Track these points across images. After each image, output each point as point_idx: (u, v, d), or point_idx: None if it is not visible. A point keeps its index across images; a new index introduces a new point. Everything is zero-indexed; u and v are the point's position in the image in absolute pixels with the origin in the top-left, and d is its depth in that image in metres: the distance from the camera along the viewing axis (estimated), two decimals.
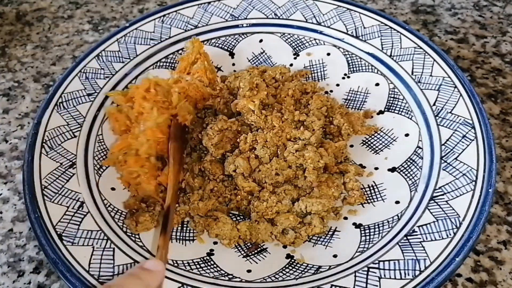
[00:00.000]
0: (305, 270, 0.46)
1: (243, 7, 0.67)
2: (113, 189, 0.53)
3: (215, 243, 0.50)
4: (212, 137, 0.54)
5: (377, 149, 0.56)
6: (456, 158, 0.49)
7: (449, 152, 0.50)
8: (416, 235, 0.45)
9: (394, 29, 0.61)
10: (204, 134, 0.54)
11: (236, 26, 0.67)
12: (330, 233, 0.50)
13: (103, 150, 0.56)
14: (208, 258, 0.48)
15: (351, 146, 0.57)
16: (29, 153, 0.51)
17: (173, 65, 0.64)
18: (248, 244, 0.50)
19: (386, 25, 0.62)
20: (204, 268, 0.47)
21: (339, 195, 0.52)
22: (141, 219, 0.49)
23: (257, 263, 0.48)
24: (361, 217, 0.50)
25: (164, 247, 0.46)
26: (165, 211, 0.49)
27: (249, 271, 0.47)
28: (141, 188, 0.52)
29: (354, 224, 0.50)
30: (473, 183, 0.47)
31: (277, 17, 0.66)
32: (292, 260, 0.47)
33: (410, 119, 0.56)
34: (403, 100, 0.57)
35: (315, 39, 0.65)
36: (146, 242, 0.48)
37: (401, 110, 0.57)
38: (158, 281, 0.42)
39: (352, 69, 0.63)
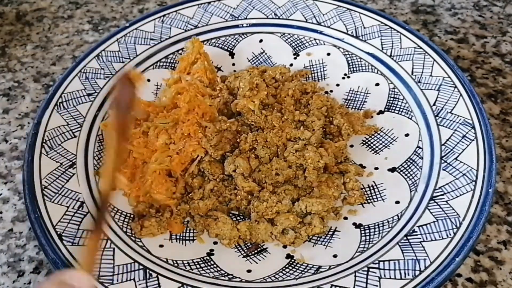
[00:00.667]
0: (305, 270, 0.46)
1: (243, 7, 0.67)
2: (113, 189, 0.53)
3: (215, 243, 0.50)
4: (210, 138, 0.54)
5: (377, 149, 0.56)
6: (456, 158, 0.49)
7: (449, 152, 0.50)
8: (416, 235, 0.45)
9: (394, 29, 0.62)
10: (203, 137, 0.54)
11: (236, 26, 0.67)
12: (330, 233, 0.50)
13: (103, 150, 0.56)
14: (208, 258, 0.48)
15: (351, 146, 0.57)
16: (29, 153, 0.51)
17: (173, 65, 0.64)
18: (248, 244, 0.50)
19: (386, 25, 0.62)
20: (204, 268, 0.47)
21: (339, 195, 0.52)
22: (146, 223, 0.49)
23: (257, 263, 0.48)
24: (361, 217, 0.50)
25: (94, 251, 0.36)
26: (100, 203, 0.39)
27: (249, 271, 0.47)
28: (150, 197, 0.52)
29: (354, 224, 0.50)
30: (473, 183, 0.47)
31: (277, 17, 0.66)
32: (292, 260, 0.48)
33: (410, 119, 0.56)
34: (403, 100, 0.57)
35: (315, 39, 0.65)
36: (146, 242, 0.48)
37: (401, 110, 0.57)
38: None
39: (352, 69, 0.63)
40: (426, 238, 0.44)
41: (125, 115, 0.41)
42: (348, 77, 0.63)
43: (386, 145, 0.56)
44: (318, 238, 0.49)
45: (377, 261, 0.44)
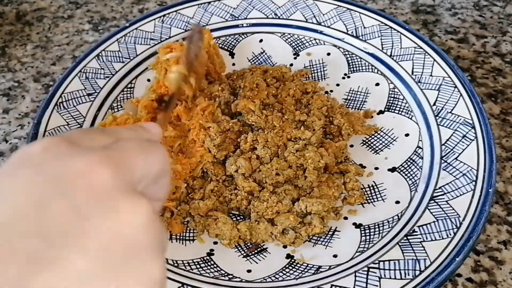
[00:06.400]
0: (305, 270, 0.46)
1: (243, 7, 0.67)
2: None
3: (215, 243, 0.50)
4: (214, 138, 0.54)
5: (377, 149, 0.56)
6: (456, 158, 0.49)
7: (449, 152, 0.50)
8: (416, 235, 0.45)
9: (394, 29, 0.61)
10: (206, 135, 0.54)
11: (236, 26, 0.67)
12: (330, 233, 0.50)
13: None
14: (208, 258, 0.48)
15: (351, 146, 0.57)
16: None
17: None
18: (248, 244, 0.50)
19: (386, 25, 0.62)
20: (204, 268, 0.47)
21: (339, 195, 0.52)
22: None
23: (257, 263, 0.48)
24: (361, 217, 0.50)
25: (164, 121, 0.46)
26: (169, 97, 0.48)
27: (249, 271, 0.47)
28: None
29: (354, 224, 0.50)
30: (473, 183, 0.47)
31: (277, 17, 0.66)
32: (292, 260, 0.47)
33: (410, 119, 0.56)
34: (403, 100, 0.57)
35: (315, 39, 0.65)
36: None
37: (401, 110, 0.57)
38: (156, 137, 0.34)
39: (352, 69, 0.63)
40: (426, 238, 0.44)
41: (193, 56, 0.52)
42: (348, 77, 0.63)
43: (386, 145, 0.56)
44: (318, 238, 0.49)
45: (377, 261, 0.44)
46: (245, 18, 0.67)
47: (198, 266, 0.47)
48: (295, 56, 0.66)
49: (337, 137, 0.57)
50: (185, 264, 0.47)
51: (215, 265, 0.47)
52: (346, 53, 0.63)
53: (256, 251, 0.49)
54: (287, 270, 0.46)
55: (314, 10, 0.66)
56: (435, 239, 0.44)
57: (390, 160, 0.54)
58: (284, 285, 0.44)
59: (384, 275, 0.42)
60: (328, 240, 0.49)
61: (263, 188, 0.52)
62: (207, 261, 0.48)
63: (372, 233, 0.48)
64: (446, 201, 0.46)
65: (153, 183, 0.27)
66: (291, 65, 0.65)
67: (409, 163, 0.52)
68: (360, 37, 0.63)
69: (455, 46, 0.71)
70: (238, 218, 0.52)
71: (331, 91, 0.63)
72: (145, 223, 0.22)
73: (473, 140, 0.50)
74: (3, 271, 0.18)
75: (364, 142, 0.57)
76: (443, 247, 0.43)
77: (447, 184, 0.48)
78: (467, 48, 0.71)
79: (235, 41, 0.67)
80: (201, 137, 0.54)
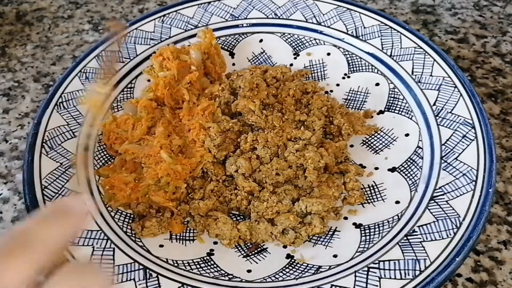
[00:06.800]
0: (305, 270, 0.46)
1: (243, 7, 0.67)
2: None
3: (215, 243, 0.50)
4: (214, 138, 0.54)
5: (377, 149, 0.56)
6: (456, 158, 0.49)
7: (449, 152, 0.50)
8: (416, 235, 0.45)
9: (394, 29, 0.61)
10: (206, 135, 0.54)
11: (236, 26, 0.67)
12: (330, 233, 0.50)
13: (103, 150, 0.56)
14: (208, 258, 0.48)
15: (351, 146, 0.57)
16: (29, 153, 0.51)
17: None
18: (248, 244, 0.50)
19: (386, 25, 0.62)
20: (204, 268, 0.47)
21: (339, 195, 0.52)
22: (148, 223, 0.49)
23: (257, 263, 0.48)
24: (361, 217, 0.50)
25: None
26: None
27: (249, 271, 0.47)
28: (149, 198, 0.52)
29: (354, 224, 0.50)
30: (473, 183, 0.47)
31: (277, 17, 0.66)
32: (292, 260, 0.47)
33: (410, 119, 0.56)
34: (403, 100, 0.57)
35: (315, 39, 0.65)
36: (146, 242, 0.48)
37: (401, 110, 0.57)
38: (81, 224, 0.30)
39: (352, 69, 0.63)
40: (426, 238, 0.44)
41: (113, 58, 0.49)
42: (348, 77, 0.63)
43: (386, 145, 0.56)
44: (318, 238, 0.49)
45: (377, 261, 0.44)
46: (245, 18, 0.67)
47: (198, 266, 0.47)
48: (295, 56, 0.65)
49: (337, 137, 0.57)
50: (185, 264, 0.47)
51: (215, 265, 0.47)
52: (346, 53, 0.63)
53: (256, 251, 0.49)
54: (287, 270, 0.46)
55: (314, 10, 0.66)
56: (435, 239, 0.44)
57: (390, 160, 0.54)
58: (284, 285, 0.44)
59: (384, 275, 0.42)
60: (328, 240, 0.49)
61: (263, 188, 0.52)
62: (207, 261, 0.48)
63: (372, 233, 0.48)
64: (446, 201, 0.46)
65: None
66: (291, 65, 0.65)
67: (409, 163, 0.52)
68: (360, 37, 0.63)
69: (455, 46, 0.71)
70: (238, 218, 0.52)
71: (331, 91, 0.63)
72: None
73: (473, 140, 0.50)
74: None
75: (364, 142, 0.57)
76: (443, 247, 0.43)
77: (447, 184, 0.48)
78: (467, 48, 0.71)
79: (235, 41, 0.67)
80: (201, 137, 0.54)
